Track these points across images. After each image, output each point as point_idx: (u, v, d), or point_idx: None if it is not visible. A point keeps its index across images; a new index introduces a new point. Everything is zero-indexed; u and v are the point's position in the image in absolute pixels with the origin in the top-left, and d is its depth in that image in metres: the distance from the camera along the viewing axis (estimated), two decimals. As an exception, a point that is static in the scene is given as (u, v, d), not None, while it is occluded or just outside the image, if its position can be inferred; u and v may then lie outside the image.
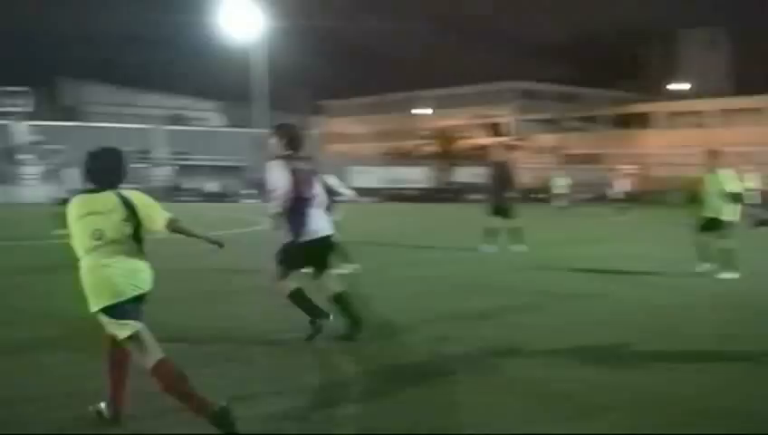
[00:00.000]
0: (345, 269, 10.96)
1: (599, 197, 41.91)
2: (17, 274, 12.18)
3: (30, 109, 52.90)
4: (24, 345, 6.92)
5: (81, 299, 4.63)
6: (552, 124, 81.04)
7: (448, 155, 68.66)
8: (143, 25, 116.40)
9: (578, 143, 74.40)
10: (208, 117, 69.16)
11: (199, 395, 4.46)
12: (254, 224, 24.30)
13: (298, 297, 6.93)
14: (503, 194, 16.09)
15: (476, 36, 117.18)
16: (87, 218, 4.61)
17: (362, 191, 61.29)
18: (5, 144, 50.60)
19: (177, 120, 63.87)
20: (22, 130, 51.32)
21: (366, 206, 50.91)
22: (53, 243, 16.11)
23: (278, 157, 6.75)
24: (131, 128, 59.15)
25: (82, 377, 5.62)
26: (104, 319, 4.61)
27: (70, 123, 55.48)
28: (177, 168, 54.82)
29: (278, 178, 6.65)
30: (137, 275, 4.66)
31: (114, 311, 4.55)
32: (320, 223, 6.88)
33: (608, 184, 37.02)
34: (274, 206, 6.72)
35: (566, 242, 18.97)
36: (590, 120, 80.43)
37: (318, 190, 6.98)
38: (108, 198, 4.66)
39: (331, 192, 7.93)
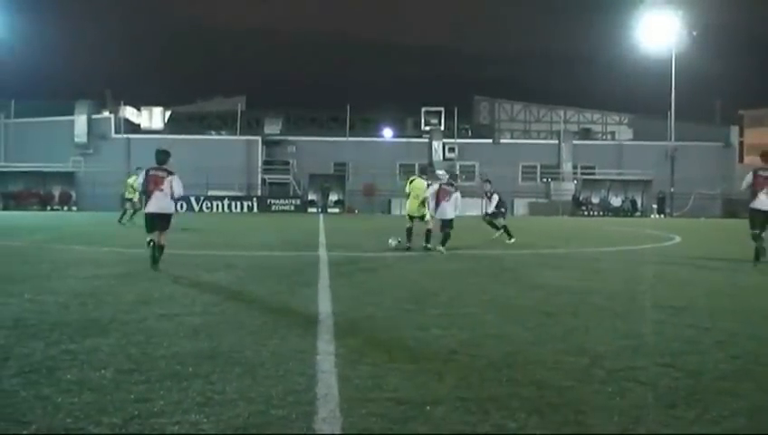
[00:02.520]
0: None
1: None
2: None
3: (442, 127, 57.06)
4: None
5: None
6: None
7: None
8: (556, 43, 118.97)
9: None
10: (616, 130, 68.40)
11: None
12: (657, 240, 23.51)
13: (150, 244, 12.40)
14: None
15: None
16: None
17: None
18: (426, 160, 55.12)
19: (585, 134, 64.17)
20: (437, 148, 55.55)
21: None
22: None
23: (148, 167, 12.62)
24: (539, 143, 60.71)
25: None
26: None
27: (481, 140, 58.66)
28: (580, 181, 55.06)
29: (141, 179, 12.91)
30: None
31: None
32: (159, 204, 12.23)
33: None
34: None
35: None
36: None
37: (165, 186, 12.18)
38: None
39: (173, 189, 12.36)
